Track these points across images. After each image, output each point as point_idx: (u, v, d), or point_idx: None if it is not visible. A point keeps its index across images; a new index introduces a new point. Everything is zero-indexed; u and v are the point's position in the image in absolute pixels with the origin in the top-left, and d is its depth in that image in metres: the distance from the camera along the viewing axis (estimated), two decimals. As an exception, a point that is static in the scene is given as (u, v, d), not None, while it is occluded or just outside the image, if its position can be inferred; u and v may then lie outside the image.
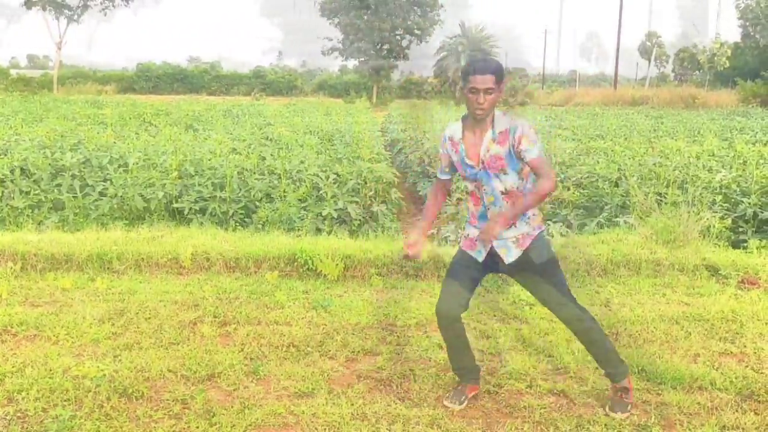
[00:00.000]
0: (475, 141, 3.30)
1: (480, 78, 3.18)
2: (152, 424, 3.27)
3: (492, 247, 3.34)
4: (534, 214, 3.36)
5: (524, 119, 3.32)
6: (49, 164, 8.90)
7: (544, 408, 3.48)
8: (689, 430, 3.29)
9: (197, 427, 3.23)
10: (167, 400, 3.50)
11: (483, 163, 3.28)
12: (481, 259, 3.38)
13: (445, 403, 3.50)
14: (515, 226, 3.29)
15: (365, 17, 40.55)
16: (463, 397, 3.52)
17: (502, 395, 3.63)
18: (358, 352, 4.15)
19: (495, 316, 4.81)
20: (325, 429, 3.25)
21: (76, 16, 41.00)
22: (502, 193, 3.30)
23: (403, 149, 13.39)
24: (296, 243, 5.91)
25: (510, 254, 3.32)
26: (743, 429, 3.30)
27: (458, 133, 3.37)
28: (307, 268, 5.60)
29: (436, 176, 3.66)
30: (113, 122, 16.33)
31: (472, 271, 3.42)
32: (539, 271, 3.34)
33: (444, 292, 3.43)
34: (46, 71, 50.42)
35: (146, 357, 3.96)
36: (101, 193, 7.97)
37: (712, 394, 3.66)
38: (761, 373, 3.93)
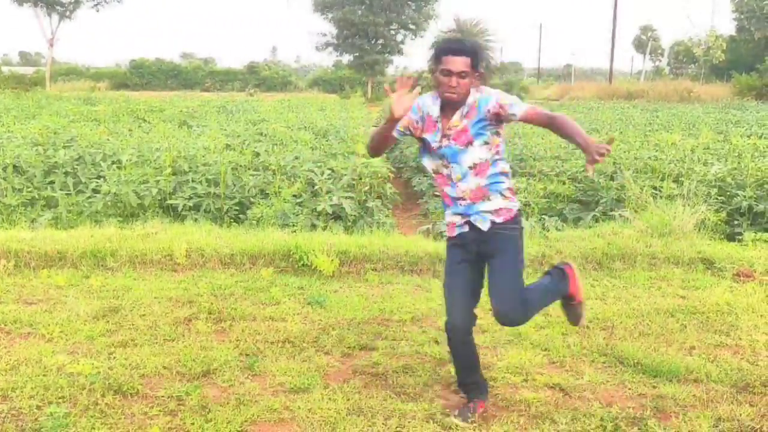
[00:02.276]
0: (448, 119, 3.13)
1: (453, 59, 2.97)
2: (147, 421, 3.25)
3: (470, 222, 3.19)
4: (509, 189, 3.21)
5: (490, 91, 3.10)
6: (42, 161, 8.86)
7: (540, 401, 3.48)
8: (685, 422, 3.29)
9: (193, 424, 3.22)
10: (162, 396, 3.48)
11: (449, 138, 3.10)
12: (465, 230, 3.20)
13: (453, 419, 3.26)
14: (489, 200, 3.15)
15: (359, 12, 40.44)
16: (470, 414, 3.28)
17: (499, 389, 3.63)
18: (354, 347, 4.14)
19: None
20: (321, 424, 3.25)
21: (68, 13, 40.76)
22: (470, 168, 3.11)
23: (398, 144, 13.37)
24: (291, 239, 5.90)
25: (485, 224, 3.17)
26: (738, 421, 3.31)
27: (436, 112, 3.15)
28: (302, 264, 5.59)
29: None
30: (106, 119, 16.28)
31: (468, 272, 3.26)
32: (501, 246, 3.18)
33: (449, 305, 3.27)
34: (38, 68, 50.21)
35: (141, 354, 3.95)
36: (95, 190, 7.94)
37: (708, 387, 3.66)
38: (756, 365, 3.94)
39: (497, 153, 3.16)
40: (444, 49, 3.01)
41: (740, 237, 6.70)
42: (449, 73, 2.98)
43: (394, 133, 3.20)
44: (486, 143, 3.10)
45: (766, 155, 10.16)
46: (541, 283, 3.43)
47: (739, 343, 4.25)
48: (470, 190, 3.16)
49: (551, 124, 3.00)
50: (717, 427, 3.26)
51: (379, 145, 3.26)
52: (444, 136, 3.13)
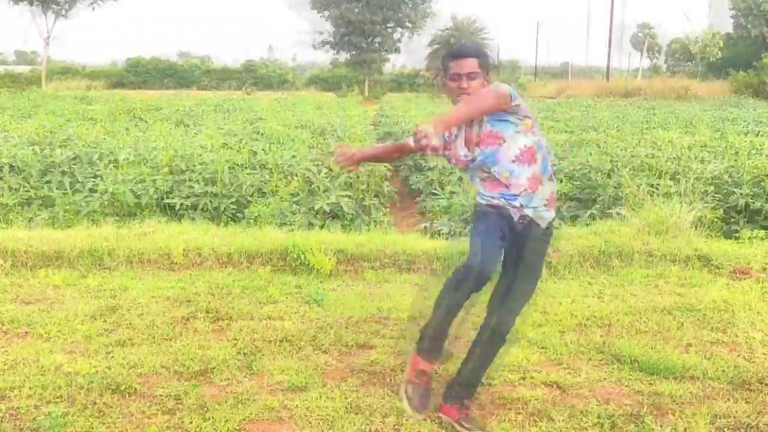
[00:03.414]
0: (469, 132, 3.06)
1: (461, 62, 2.95)
2: (145, 420, 3.25)
3: (524, 215, 3.05)
4: (553, 165, 3.10)
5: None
6: (39, 161, 8.85)
7: (538, 399, 3.49)
8: (682, 419, 3.30)
9: (191, 423, 3.22)
10: (160, 395, 3.48)
11: (478, 145, 3.02)
12: (516, 217, 3.06)
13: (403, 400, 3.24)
14: (543, 185, 3.04)
15: (356, 10, 40.40)
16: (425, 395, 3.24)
17: (496, 387, 3.64)
18: (352, 345, 4.15)
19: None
20: (318, 423, 3.25)
21: (64, 11, 40.65)
22: (514, 161, 2.99)
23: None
24: (289, 237, 5.90)
25: (544, 221, 3.08)
26: (735, 417, 3.32)
27: (453, 129, 3.08)
28: (300, 263, 5.58)
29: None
30: (103, 118, 16.26)
31: (501, 233, 3.06)
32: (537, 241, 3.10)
33: (478, 248, 3.00)
34: (34, 67, 50.07)
35: (139, 353, 3.95)
36: (91, 190, 7.93)
37: (704, 384, 3.68)
38: (753, 362, 3.95)
39: (534, 134, 3.04)
40: (449, 55, 3.00)
41: (737, 234, 6.71)
42: (459, 76, 2.96)
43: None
44: (517, 131, 3.00)
45: (762, 153, 10.17)
46: None
47: (735, 341, 4.26)
48: (527, 179, 3.03)
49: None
50: (714, 423, 3.27)
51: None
52: (474, 144, 3.04)
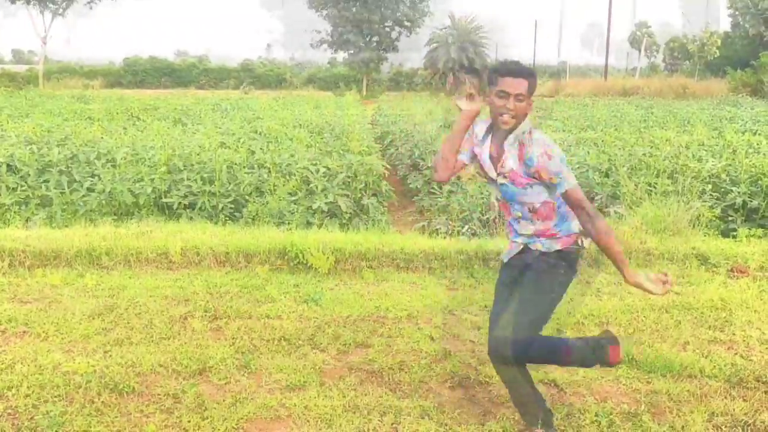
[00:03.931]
0: (498, 151, 2.95)
1: (511, 82, 2.82)
2: (143, 419, 3.26)
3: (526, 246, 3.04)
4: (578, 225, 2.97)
5: (543, 137, 2.87)
6: (36, 160, 8.83)
7: (536, 398, 3.48)
8: (679, 417, 3.31)
9: (189, 422, 3.23)
10: (158, 394, 3.49)
11: (504, 176, 2.93)
12: (515, 252, 3.06)
13: None
14: (558, 238, 2.98)
15: (354, 9, 40.38)
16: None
17: (494, 386, 3.64)
18: (350, 344, 4.15)
19: (486, 306, 4.82)
20: (316, 421, 3.25)
21: (61, 10, 40.57)
22: (531, 211, 2.95)
23: (394, 141, 13.37)
24: (287, 237, 5.90)
25: (543, 247, 3.01)
26: (732, 416, 3.33)
27: (481, 133, 3.01)
28: (298, 262, 5.59)
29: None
30: (100, 117, 16.23)
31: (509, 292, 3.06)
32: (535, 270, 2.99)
33: (492, 323, 3.02)
34: (31, 66, 49.95)
35: (137, 352, 3.95)
36: (89, 189, 7.91)
37: (702, 382, 3.69)
38: (750, 360, 3.96)
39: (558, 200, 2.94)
40: (502, 69, 2.87)
41: (734, 233, 6.72)
42: (506, 95, 2.83)
43: (462, 157, 3.07)
44: (547, 187, 2.89)
45: (760, 151, 10.18)
46: (567, 342, 3.12)
47: (732, 339, 4.27)
48: (535, 230, 3.00)
49: (584, 214, 2.83)
50: (711, 421, 3.28)
51: (445, 165, 3.05)
52: (499, 173, 2.95)
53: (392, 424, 3.24)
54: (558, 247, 2.99)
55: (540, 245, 3.01)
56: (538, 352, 2.94)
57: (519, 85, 2.82)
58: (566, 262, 3.01)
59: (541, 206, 2.94)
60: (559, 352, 3.02)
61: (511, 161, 2.89)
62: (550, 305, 2.99)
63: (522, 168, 2.87)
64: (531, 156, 2.82)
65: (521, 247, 3.07)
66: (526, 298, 2.95)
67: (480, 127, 3.04)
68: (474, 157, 3.08)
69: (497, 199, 3.13)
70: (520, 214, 3.00)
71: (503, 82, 2.83)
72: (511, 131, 2.89)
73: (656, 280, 2.79)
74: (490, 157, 2.98)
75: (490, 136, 3.00)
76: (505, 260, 3.14)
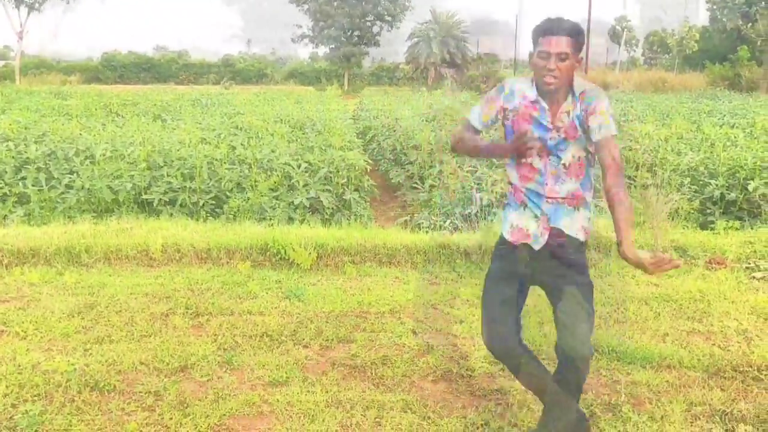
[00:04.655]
0: (550, 105, 2.72)
1: (552, 40, 2.61)
2: (125, 417, 3.24)
3: (553, 228, 2.76)
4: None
5: (601, 90, 2.72)
6: (13, 157, 8.71)
7: (517, 390, 3.51)
8: (658, 407, 3.35)
9: (171, 419, 3.21)
10: (140, 392, 3.46)
11: (560, 129, 2.71)
12: (538, 246, 2.77)
13: None
14: (579, 210, 2.77)
15: (335, 3, 40.26)
16: None
17: (476, 378, 3.67)
18: (332, 339, 4.15)
19: (467, 300, 4.84)
20: (299, 417, 3.25)
21: (37, 5, 40.01)
22: (565, 166, 2.73)
23: (376, 136, 13.37)
24: (268, 233, 5.88)
25: (580, 235, 2.78)
26: (710, 405, 3.38)
27: (533, 93, 2.73)
28: (280, 258, 5.57)
29: (465, 121, 2.93)
30: (78, 113, 16.03)
31: (514, 285, 2.87)
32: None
33: (486, 319, 2.88)
34: (7, 62, 49.26)
35: (117, 350, 3.92)
36: (68, 186, 7.83)
37: (680, 372, 3.74)
38: (727, 350, 4.02)
39: (591, 153, 2.77)
40: (542, 28, 2.65)
41: (713, 225, 6.81)
42: (548, 55, 2.62)
43: (478, 126, 2.87)
44: (581, 141, 2.72)
45: (737, 144, 10.31)
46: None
47: (711, 330, 4.33)
48: (566, 191, 2.76)
49: (615, 171, 2.63)
50: (689, 411, 3.33)
51: (467, 148, 2.92)
52: (554, 127, 2.72)
53: (375, 418, 3.25)
54: (582, 238, 2.79)
55: (570, 226, 2.76)
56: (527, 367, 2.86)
57: (560, 43, 2.61)
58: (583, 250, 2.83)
59: (573, 163, 2.74)
60: (545, 377, 2.91)
61: (570, 108, 2.69)
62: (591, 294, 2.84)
63: (578, 108, 2.68)
64: (594, 93, 2.67)
65: (543, 232, 2.77)
66: (586, 297, 2.79)
67: (523, 85, 2.79)
68: (489, 126, 2.89)
69: (519, 162, 2.82)
70: (555, 171, 2.74)
71: (544, 41, 2.63)
72: (558, 92, 2.68)
73: (656, 261, 2.47)
74: (542, 109, 2.73)
75: (535, 92, 2.75)
76: (536, 247, 2.79)
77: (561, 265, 2.79)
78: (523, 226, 2.82)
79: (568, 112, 2.70)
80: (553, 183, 2.75)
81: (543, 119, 2.73)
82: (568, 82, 2.68)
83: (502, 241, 2.92)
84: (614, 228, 2.61)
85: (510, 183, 2.90)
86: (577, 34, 2.64)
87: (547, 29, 2.64)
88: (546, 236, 2.77)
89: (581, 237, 2.80)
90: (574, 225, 2.78)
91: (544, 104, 2.72)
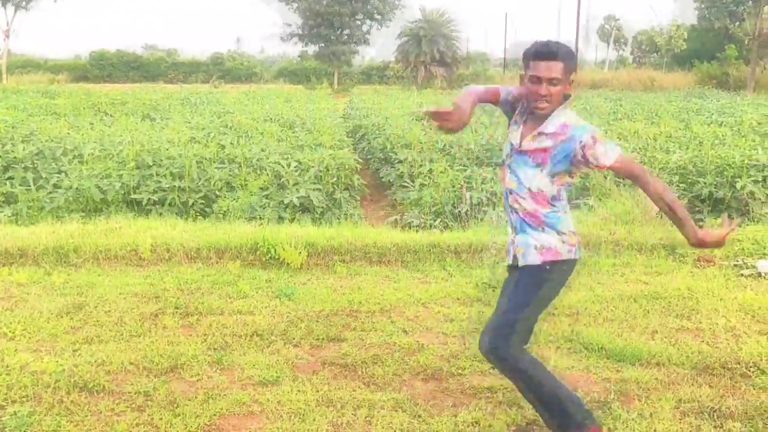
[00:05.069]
0: (523, 123, 2.79)
1: (544, 65, 2.62)
2: (114, 418, 3.22)
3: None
4: (572, 232, 2.83)
5: (585, 122, 2.74)
6: (0, 157, 8.65)
7: (507, 388, 3.51)
8: (647, 404, 3.37)
9: (161, 419, 3.20)
10: (129, 393, 3.45)
11: (523, 152, 2.76)
12: (509, 262, 2.91)
13: None
14: (544, 232, 2.79)
15: (325, 2, 40.15)
16: None
17: (466, 377, 3.67)
18: (323, 339, 4.15)
19: (458, 299, 4.85)
20: (290, 416, 3.25)
21: (24, 3, 39.66)
22: (528, 190, 2.76)
23: (366, 135, 13.36)
24: (258, 232, 5.86)
25: (526, 258, 2.83)
26: (699, 402, 3.40)
27: (522, 114, 2.82)
28: (270, 257, 5.56)
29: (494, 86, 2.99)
30: (67, 112, 15.93)
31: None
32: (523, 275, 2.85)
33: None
34: (-5, 60, 48.78)
35: (107, 350, 3.89)
36: (56, 186, 7.79)
37: (669, 369, 3.76)
38: (716, 347, 4.05)
39: (559, 193, 2.79)
40: (532, 52, 2.67)
41: (701, 223, 6.85)
42: (539, 80, 2.64)
43: (503, 93, 2.91)
44: (553, 176, 2.74)
45: (725, 143, 10.39)
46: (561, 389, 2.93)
47: (699, 327, 4.36)
48: (525, 209, 2.81)
49: (639, 180, 2.75)
50: (678, 408, 3.35)
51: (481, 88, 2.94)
52: (520, 144, 2.78)
53: (366, 417, 3.25)
54: (543, 258, 2.82)
55: (522, 250, 2.84)
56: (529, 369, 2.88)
57: (552, 68, 2.62)
58: (554, 267, 2.86)
59: (537, 194, 2.77)
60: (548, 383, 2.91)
61: (543, 137, 2.72)
62: (536, 304, 2.96)
63: (561, 144, 2.69)
64: (581, 130, 2.67)
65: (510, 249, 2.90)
66: (514, 299, 2.89)
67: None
68: (512, 103, 2.92)
69: (503, 161, 2.92)
70: (515, 185, 2.80)
71: (535, 66, 2.65)
72: (547, 116, 2.71)
73: (719, 234, 2.63)
74: (521, 134, 2.79)
75: (525, 114, 2.82)
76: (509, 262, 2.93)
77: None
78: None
79: (539, 142, 2.72)
80: (515, 197, 2.84)
81: (513, 138, 2.82)
82: (557, 106, 2.71)
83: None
84: (676, 226, 2.76)
85: None
86: (568, 58, 2.66)
87: (538, 53, 2.65)
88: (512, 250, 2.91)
89: (536, 260, 2.82)
90: (530, 246, 2.82)
91: (520, 121, 2.81)
